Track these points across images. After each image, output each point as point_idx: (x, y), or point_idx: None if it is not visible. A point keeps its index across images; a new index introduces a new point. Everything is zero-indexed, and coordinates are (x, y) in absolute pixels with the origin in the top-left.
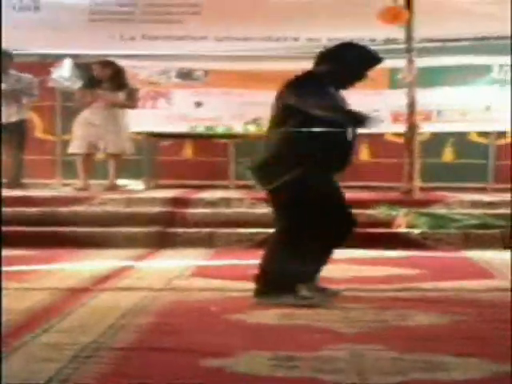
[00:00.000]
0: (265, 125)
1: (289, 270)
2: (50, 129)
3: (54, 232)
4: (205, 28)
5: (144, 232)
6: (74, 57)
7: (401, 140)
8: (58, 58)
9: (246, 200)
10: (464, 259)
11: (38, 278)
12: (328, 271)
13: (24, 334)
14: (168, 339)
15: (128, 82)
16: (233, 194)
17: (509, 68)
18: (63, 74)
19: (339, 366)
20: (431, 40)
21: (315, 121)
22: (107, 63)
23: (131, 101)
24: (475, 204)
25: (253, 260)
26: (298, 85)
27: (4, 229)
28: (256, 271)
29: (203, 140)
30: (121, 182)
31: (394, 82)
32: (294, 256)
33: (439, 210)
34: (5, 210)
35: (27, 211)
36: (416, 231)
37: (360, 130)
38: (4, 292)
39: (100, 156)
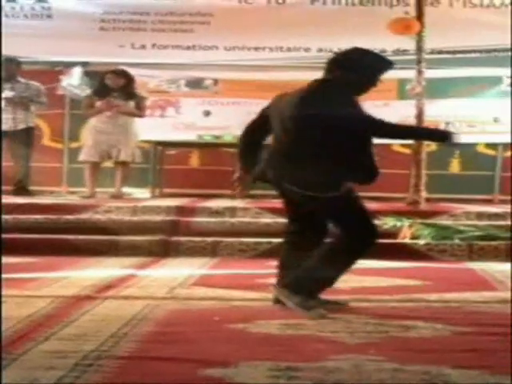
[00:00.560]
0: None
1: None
2: (58, 136)
3: (59, 239)
4: (215, 37)
5: (148, 240)
6: (84, 65)
7: (408, 151)
8: (68, 65)
9: (251, 209)
10: (467, 271)
11: (41, 285)
12: None
13: (25, 341)
14: (169, 348)
15: (137, 91)
16: (238, 203)
17: None
18: (73, 81)
19: (340, 376)
20: (441, 51)
21: (336, 129)
22: (121, 72)
23: (140, 110)
24: (481, 215)
25: (257, 270)
26: (324, 94)
27: (9, 236)
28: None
29: (210, 149)
30: (127, 190)
31: (402, 93)
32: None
33: (444, 222)
34: (11, 217)
35: (32, 218)
36: (421, 242)
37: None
38: (6, 299)
39: (108, 164)
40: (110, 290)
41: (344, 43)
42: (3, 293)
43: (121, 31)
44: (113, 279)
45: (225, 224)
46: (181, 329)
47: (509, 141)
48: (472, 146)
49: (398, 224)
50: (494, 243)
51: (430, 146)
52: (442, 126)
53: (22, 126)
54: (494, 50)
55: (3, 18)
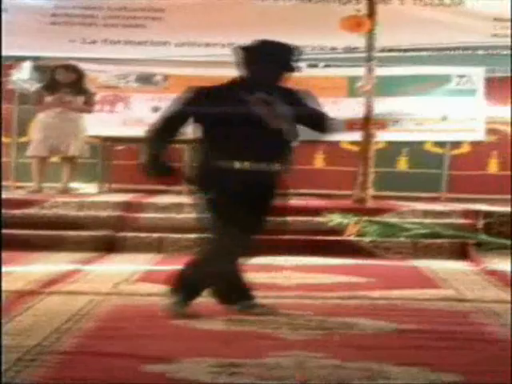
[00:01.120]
0: None
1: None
2: (6, 131)
3: (5, 234)
4: (166, 33)
5: (93, 236)
6: (34, 59)
7: (356, 148)
8: (19, 60)
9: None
10: (411, 268)
11: None
12: (273, 278)
13: None
14: (112, 344)
15: (87, 86)
16: (185, 199)
17: (467, 78)
18: (22, 76)
19: (282, 373)
20: (391, 49)
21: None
22: (71, 67)
23: (89, 105)
24: (427, 213)
25: None
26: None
27: None
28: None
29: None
30: (74, 185)
31: (352, 91)
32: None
33: (390, 219)
34: None
35: None
36: (366, 239)
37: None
38: None
39: (55, 159)
40: (54, 285)
41: (295, 40)
42: None
43: (72, 26)
44: (58, 274)
45: (171, 220)
46: (124, 324)
47: (456, 139)
48: (419, 144)
49: (344, 221)
50: (438, 241)
51: (378, 144)
52: (389, 124)
53: None
54: (444, 49)
55: None
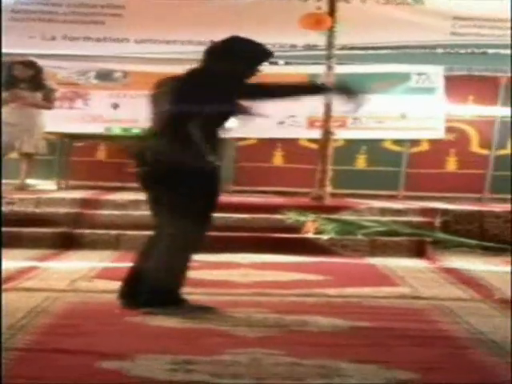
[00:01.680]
0: None
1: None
2: None
3: None
4: (126, 30)
5: (50, 233)
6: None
7: (315, 146)
8: None
9: None
10: (369, 266)
11: None
12: (230, 276)
13: None
14: (67, 341)
15: (46, 82)
16: (142, 196)
17: (426, 77)
18: None
19: (238, 370)
20: (352, 47)
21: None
22: (29, 63)
23: (48, 101)
24: (384, 211)
25: None
26: (192, 83)
27: None
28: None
29: (118, 141)
30: (32, 181)
31: None
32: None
33: (348, 217)
34: None
35: None
36: (324, 237)
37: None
38: None
39: (12, 155)
40: (10, 282)
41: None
42: None
43: (31, 22)
44: (14, 271)
45: (128, 217)
46: (80, 321)
47: (415, 137)
48: (379, 142)
49: (302, 219)
50: (396, 239)
51: (337, 142)
52: (349, 122)
53: None
54: (403, 47)
55: None
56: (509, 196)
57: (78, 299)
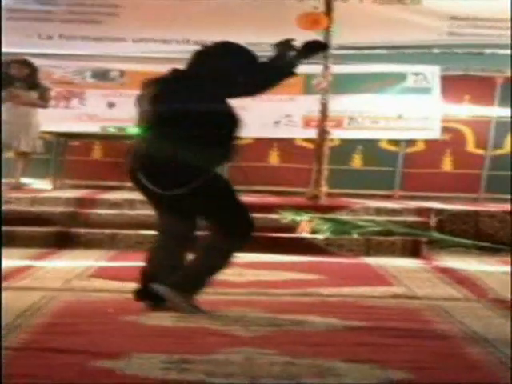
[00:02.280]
0: None
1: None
2: None
3: None
4: (123, 29)
5: (46, 232)
6: None
7: (311, 146)
8: None
9: None
10: (364, 266)
11: None
12: (225, 275)
13: None
14: (62, 340)
15: (41, 81)
16: (139, 195)
17: (422, 77)
18: None
19: (232, 369)
20: (348, 47)
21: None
22: (25, 62)
23: (43, 100)
24: (379, 211)
25: None
26: (174, 86)
27: None
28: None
29: (114, 141)
30: (27, 180)
31: (308, 88)
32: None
33: (344, 216)
34: None
35: None
36: (319, 237)
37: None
38: None
39: (9, 154)
40: (5, 281)
41: (251, 37)
42: None
43: (28, 21)
44: (9, 270)
45: (123, 216)
46: (75, 320)
47: (411, 137)
48: (374, 141)
49: (297, 218)
50: (391, 239)
51: (333, 142)
52: (345, 121)
53: None
54: (400, 47)
55: None
56: (504, 196)
57: (73, 298)
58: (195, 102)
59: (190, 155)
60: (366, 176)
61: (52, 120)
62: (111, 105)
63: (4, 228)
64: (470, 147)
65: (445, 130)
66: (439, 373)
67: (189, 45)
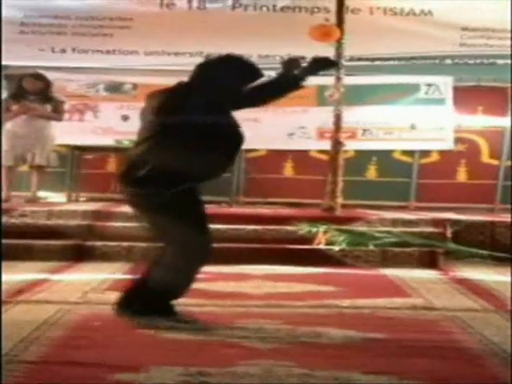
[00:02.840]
0: None
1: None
2: None
3: None
4: (135, 42)
5: (62, 245)
6: (3, 68)
7: (326, 157)
8: None
9: None
10: (381, 277)
11: None
12: (242, 287)
13: None
14: (80, 353)
15: (54, 94)
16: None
17: (435, 87)
18: None
19: (250, 381)
20: (360, 58)
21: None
22: (39, 76)
23: (57, 113)
24: (395, 222)
25: None
26: (176, 97)
27: None
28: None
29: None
30: (43, 194)
31: (322, 100)
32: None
33: (359, 228)
34: None
35: None
36: (336, 248)
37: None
38: None
39: (24, 168)
40: (22, 295)
41: (264, 49)
42: None
43: (41, 35)
44: (26, 283)
45: (140, 229)
46: (92, 334)
47: (425, 148)
48: (388, 152)
49: (313, 230)
50: (407, 250)
51: (347, 153)
52: (359, 133)
53: None
54: (412, 58)
55: None
56: None
57: (90, 311)
58: (195, 115)
59: (176, 165)
60: (381, 187)
61: (66, 133)
62: (125, 118)
63: (20, 241)
64: (485, 158)
65: (459, 140)
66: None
67: (201, 57)
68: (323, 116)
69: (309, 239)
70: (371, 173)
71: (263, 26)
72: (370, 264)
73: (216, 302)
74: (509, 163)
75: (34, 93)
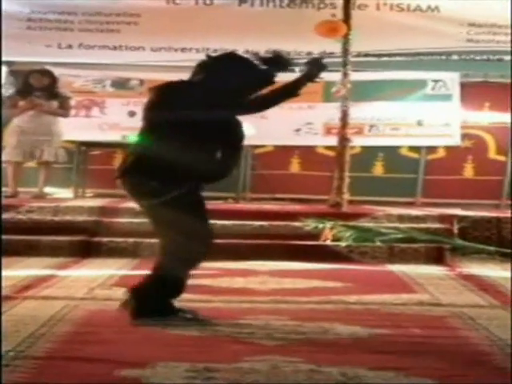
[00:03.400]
0: None
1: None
2: None
3: None
4: (142, 38)
5: (69, 241)
6: (9, 64)
7: (332, 153)
8: None
9: None
10: (387, 273)
11: None
12: (248, 283)
13: None
14: (86, 349)
15: (61, 90)
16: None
17: (442, 83)
18: None
19: (256, 377)
20: (367, 54)
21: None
22: (45, 72)
23: (64, 109)
24: (402, 218)
25: None
26: (176, 95)
27: None
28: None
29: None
30: (50, 190)
31: (328, 96)
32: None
33: (366, 224)
34: None
35: None
36: (342, 244)
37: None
38: None
39: (31, 164)
40: (29, 290)
41: (271, 45)
42: None
43: (48, 31)
44: (33, 279)
45: (146, 225)
46: (99, 329)
47: (432, 144)
48: (395, 148)
49: (320, 226)
50: (414, 246)
51: (354, 149)
52: (366, 129)
53: None
54: (419, 54)
55: None
56: None
57: (97, 307)
58: (194, 111)
59: (177, 165)
60: (388, 183)
61: (73, 129)
62: (132, 113)
63: (28, 237)
64: (492, 154)
65: (466, 136)
66: (464, 380)
67: (208, 53)
68: (330, 112)
69: (315, 235)
70: (378, 169)
71: (270, 21)
72: (376, 260)
73: (222, 298)
74: None
75: (41, 89)
